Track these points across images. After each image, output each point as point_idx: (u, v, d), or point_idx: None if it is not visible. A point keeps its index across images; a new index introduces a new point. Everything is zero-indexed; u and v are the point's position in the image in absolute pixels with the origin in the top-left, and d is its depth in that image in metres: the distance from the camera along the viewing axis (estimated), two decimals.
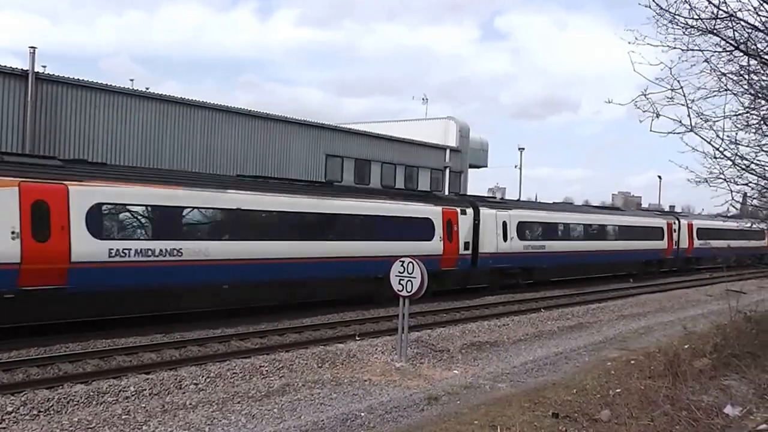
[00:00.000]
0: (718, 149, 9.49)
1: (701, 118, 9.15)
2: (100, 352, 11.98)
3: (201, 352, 12.55)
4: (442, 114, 35.92)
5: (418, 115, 37.96)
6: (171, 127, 21.40)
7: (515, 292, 22.54)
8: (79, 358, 11.51)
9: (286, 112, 30.46)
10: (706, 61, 8.86)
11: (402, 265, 12.11)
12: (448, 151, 32.56)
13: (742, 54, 8.67)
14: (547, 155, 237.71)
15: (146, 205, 13.78)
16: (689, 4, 8.39)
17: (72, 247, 12.38)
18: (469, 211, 21.65)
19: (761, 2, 8.19)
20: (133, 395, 9.49)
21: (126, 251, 13.19)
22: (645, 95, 8.84)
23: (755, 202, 12.18)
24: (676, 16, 8.46)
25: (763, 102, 9.37)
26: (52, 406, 8.83)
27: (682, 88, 8.82)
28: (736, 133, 9.72)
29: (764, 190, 10.99)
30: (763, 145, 9.96)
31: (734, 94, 9.35)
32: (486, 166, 39.09)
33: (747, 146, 9.90)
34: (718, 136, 9.40)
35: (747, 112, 9.53)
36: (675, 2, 8.42)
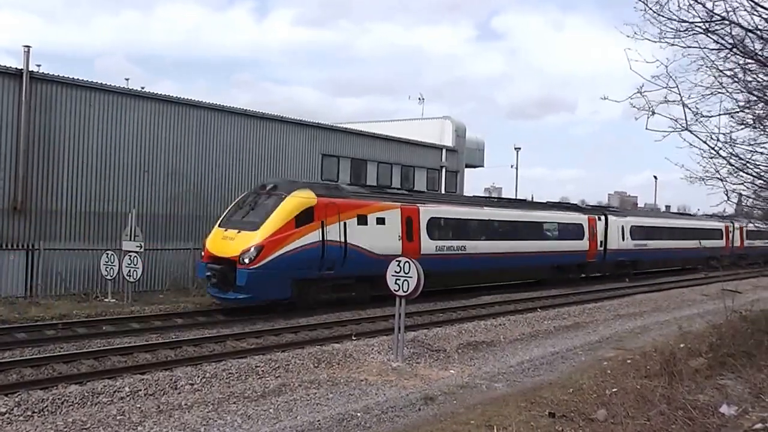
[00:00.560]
0: (713, 148, 9.51)
1: (697, 117, 9.15)
2: (95, 353, 11.94)
3: (196, 353, 12.50)
4: (438, 114, 35.87)
5: (414, 115, 37.82)
6: (166, 126, 21.30)
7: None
8: (73, 359, 11.46)
9: (281, 112, 30.42)
10: (702, 58, 8.86)
11: (398, 265, 12.08)
12: (444, 150, 32.50)
13: (737, 54, 8.67)
14: (544, 155, 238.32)
15: (449, 218, 21.73)
16: (684, 6, 8.38)
17: (421, 245, 20.04)
18: (602, 218, 29.70)
19: (755, 5, 8.18)
20: (128, 396, 9.45)
21: (442, 247, 20.93)
22: (641, 93, 8.83)
23: (750, 201, 12.21)
24: (670, 19, 8.45)
25: (758, 101, 9.37)
26: (47, 406, 8.78)
27: (677, 86, 8.82)
28: (732, 132, 9.73)
29: (759, 190, 11.01)
30: (759, 144, 9.98)
31: (729, 93, 9.35)
32: (482, 166, 39.06)
33: (742, 145, 9.92)
34: (713, 135, 9.42)
35: (742, 111, 9.54)
36: (667, 2, 8.41)
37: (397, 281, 12.03)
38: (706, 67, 8.97)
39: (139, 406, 9.04)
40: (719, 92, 9.18)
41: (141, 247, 17.79)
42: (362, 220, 18.46)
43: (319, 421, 8.77)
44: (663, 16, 8.41)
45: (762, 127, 9.70)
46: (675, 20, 8.45)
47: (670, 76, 8.71)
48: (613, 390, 9.38)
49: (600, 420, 7.98)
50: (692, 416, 7.47)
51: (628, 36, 8.40)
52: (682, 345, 12.02)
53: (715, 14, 8.19)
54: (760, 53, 8.67)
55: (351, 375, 11.29)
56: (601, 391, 9.51)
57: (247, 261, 16.01)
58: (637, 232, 31.53)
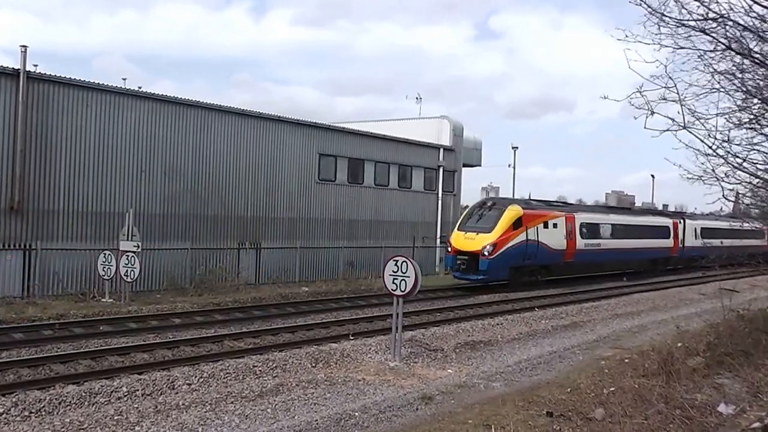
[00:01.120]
0: (710, 147, 9.51)
1: (694, 116, 9.16)
2: (92, 353, 11.93)
3: (194, 353, 12.49)
4: (436, 113, 35.84)
5: (411, 115, 37.76)
6: (163, 126, 21.29)
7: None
8: (70, 359, 11.46)
9: (280, 112, 30.30)
10: (699, 57, 8.87)
11: (396, 264, 12.05)
12: (441, 150, 32.51)
13: (734, 53, 8.67)
14: (542, 154, 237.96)
15: (592, 223, 29.32)
16: (680, 4, 8.39)
17: (576, 243, 27.50)
18: (681, 221, 37.76)
19: (751, 3, 8.19)
20: (125, 396, 9.43)
21: (589, 244, 28.45)
22: (640, 92, 8.84)
23: (747, 200, 12.22)
24: (666, 16, 8.45)
25: (755, 100, 9.37)
26: (44, 407, 8.76)
27: (675, 86, 8.83)
28: (729, 131, 9.73)
29: (756, 189, 11.01)
30: (756, 143, 9.97)
31: (727, 92, 9.36)
32: (480, 165, 39.02)
33: (739, 144, 9.92)
34: (710, 134, 9.42)
35: (739, 111, 9.54)
36: (665, 2, 8.41)
37: (395, 281, 12.00)
38: (704, 65, 8.99)
39: (136, 406, 9.02)
40: (716, 90, 9.19)
41: (138, 246, 17.78)
42: (546, 225, 25.96)
43: (316, 420, 8.76)
44: (659, 14, 8.43)
45: (759, 126, 9.70)
46: (672, 19, 8.46)
47: (669, 76, 8.74)
48: (611, 389, 9.38)
49: (598, 419, 7.97)
50: (690, 415, 7.47)
51: (619, 39, 8.42)
52: (679, 344, 12.02)
53: (711, 11, 8.20)
54: (755, 52, 8.68)
55: (348, 375, 11.28)
56: (598, 391, 9.51)
57: (486, 253, 23.35)
58: (705, 233, 38.73)
